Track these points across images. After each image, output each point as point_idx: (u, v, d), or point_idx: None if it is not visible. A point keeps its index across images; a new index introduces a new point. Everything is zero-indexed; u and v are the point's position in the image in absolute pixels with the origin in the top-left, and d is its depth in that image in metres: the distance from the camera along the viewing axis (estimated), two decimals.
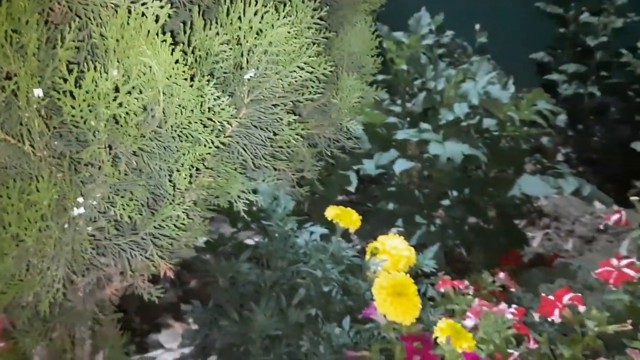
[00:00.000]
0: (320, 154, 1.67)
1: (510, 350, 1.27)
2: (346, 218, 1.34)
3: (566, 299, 1.20)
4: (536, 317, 1.31)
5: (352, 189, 1.72)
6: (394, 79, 1.92)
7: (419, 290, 1.45)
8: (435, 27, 2.31)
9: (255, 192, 1.72)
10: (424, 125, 1.75)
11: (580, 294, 1.21)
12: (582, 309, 1.17)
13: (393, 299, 1.15)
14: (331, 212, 1.35)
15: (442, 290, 1.50)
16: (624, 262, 1.41)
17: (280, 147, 0.82)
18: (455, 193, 1.79)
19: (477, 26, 2.81)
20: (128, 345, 1.82)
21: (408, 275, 1.20)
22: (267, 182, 0.88)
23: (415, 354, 1.12)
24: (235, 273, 1.32)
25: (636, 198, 1.69)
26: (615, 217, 1.67)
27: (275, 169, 0.92)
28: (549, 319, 1.18)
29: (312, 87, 0.79)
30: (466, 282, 1.53)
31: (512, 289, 1.64)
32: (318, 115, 0.88)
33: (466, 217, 1.79)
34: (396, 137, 1.70)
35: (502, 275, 1.63)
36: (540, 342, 1.24)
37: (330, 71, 0.80)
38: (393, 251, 1.40)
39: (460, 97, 1.70)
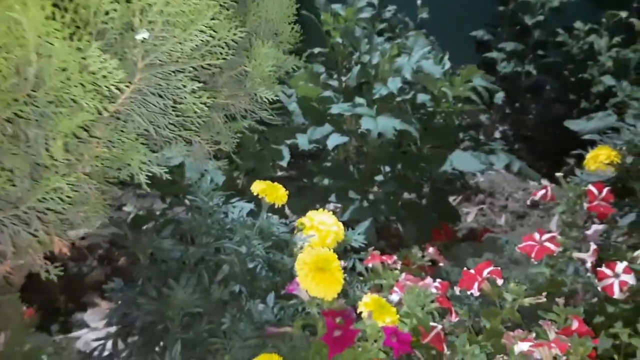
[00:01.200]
0: (251, 129, 1.63)
1: (433, 324, 1.28)
2: (272, 193, 1.31)
3: (486, 272, 1.21)
4: (458, 291, 1.33)
5: (284, 163, 1.69)
6: (332, 53, 1.88)
7: (345, 266, 1.45)
8: (377, 2, 2.28)
9: (180, 165, 1.67)
10: (359, 100, 1.73)
11: (499, 268, 1.23)
12: (500, 282, 1.19)
13: (315, 275, 1.14)
14: (257, 187, 1.31)
15: (370, 265, 1.50)
16: (546, 236, 1.45)
17: (188, 117, 0.77)
18: (387, 168, 1.79)
19: (419, 1, 2.80)
20: (50, 325, 1.75)
21: (333, 250, 1.19)
22: (177, 154, 0.83)
23: (336, 329, 1.11)
24: (155, 249, 1.27)
25: (561, 174, 1.74)
26: (542, 192, 1.71)
27: (188, 141, 0.87)
28: (468, 293, 1.20)
29: (221, 53, 0.74)
30: (394, 257, 1.54)
31: (441, 264, 1.66)
32: (233, 85, 0.84)
33: (400, 192, 1.80)
34: (330, 111, 1.68)
35: (431, 250, 1.65)
36: (461, 315, 1.26)
37: (241, 37, 0.75)
38: (321, 226, 1.39)
39: (395, 72, 1.69)
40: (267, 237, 1.34)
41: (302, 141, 1.71)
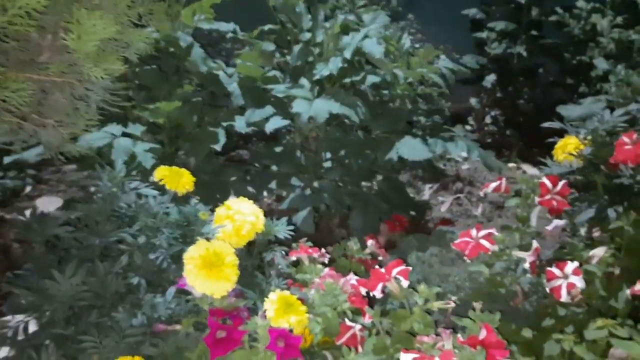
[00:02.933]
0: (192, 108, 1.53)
1: (350, 324, 1.19)
2: (175, 180, 1.22)
3: (395, 272, 1.11)
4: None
5: (218, 147, 1.60)
6: (282, 30, 1.77)
7: (262, 259, 1.36)
8: None
9: (110, 146, 1.59)
10: (303, 81, 1.63)
11: (409, 268, 1.12)
12: (405, 283, 1.08)
13: (201, 271, 1.05)
14: (159, 173, 1.23)
15: (293, 258, 1.40)
16: (482, 233, 1.33)
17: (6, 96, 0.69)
18: (328, 155, 1.68)
19: None
20: None
21: (254, 242, 1.09)
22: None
23: (219, 329, 1.02)
24: (53, 237, 1.20)
25: (513, 165, 1.61)
26: (494, 184, 1.58)
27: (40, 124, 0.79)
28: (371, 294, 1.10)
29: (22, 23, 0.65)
30: (323, 250, 1.44)
31: (380, 257, 1.55)
32: (59, 60, 0.75)
33: (351, 181, 1.69)
34: (271, 92, 1.57)
35: (370, 242, 1.54)
36: (373, 316, 1.16)
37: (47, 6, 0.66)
38: (236, 216, 1.30)
39: (339, 51, 1.57)
40: (172, 226, 1.25)
41: (240, 123, 1.61)
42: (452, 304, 1.09)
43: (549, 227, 1.69)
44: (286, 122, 1.60)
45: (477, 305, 1.14)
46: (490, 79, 2.89)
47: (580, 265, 1.47)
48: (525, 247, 1.59)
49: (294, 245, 1.49)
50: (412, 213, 1.78)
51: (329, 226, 1.73)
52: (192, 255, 1.06)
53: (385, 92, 1.76)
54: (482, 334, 1.00)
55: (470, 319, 1.12)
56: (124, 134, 1.60)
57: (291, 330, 1.15)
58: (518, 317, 1.38)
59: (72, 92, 0.79)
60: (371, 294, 1.09)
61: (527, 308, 1.41)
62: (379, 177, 1.80)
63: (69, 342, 1.02)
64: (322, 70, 1.55)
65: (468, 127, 3.15)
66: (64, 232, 1.20)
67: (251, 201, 1.34)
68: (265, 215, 1.92)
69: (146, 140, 1.65)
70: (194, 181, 1.25)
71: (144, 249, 1.21)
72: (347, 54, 1.51)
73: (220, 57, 2.02)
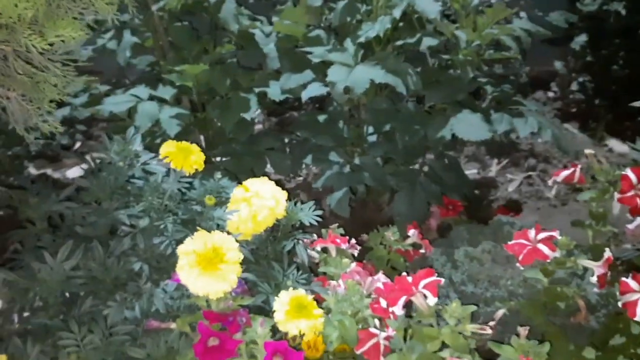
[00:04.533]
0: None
1: (374, 331, 1.02)
2: (182, 157, 1.08)
3: (423, 284, 0.92)
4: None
5: (248, 116, 1.44)
6: None
7: (282, 249, 1.21)
8: None
9: (134, 110, 1.47)
10: (348, 43, 1.42)
11: (441, 280, 0.93)
12: (433, 300, 0.90)
13: (195, 269, 0.92)
14: (165, 149, 1.09)
15: (317, 248, 1.24)
16: (542, 235, 1.11)
17: None
18: (371, 129, 1.48)
19: None
20: None
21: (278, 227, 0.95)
22: None
23: (211, 336, 0.90)
24: (54, 215, 1.11)
25: (590, 151, 1.35)
26: (566, 172, 1.34)
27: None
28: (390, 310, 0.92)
29: None
30: (353, 241, 1.27)
31: (422, 250, 1.36)
32: None
33: (393, 158, 1.49)
34: (310, 56, 1.39)
35: (412, 232, 1.36)
36: (396, 329, 0.99)
37: None
38: (254, 199, 1.15)
39: (389, 9, 1.35)
40: (182, 208, 1.13)
41: (274, 90, 1.44)
42: (489, 331, 0.89)
43: (631, 226, 1.43)
44: (325, 89, 1.41)
45: (522, 331, 0.93)
46: (580, 40, 2.53)
47: None
48: (598, 250, 1.36)
49: (323, 232, 1.33)
50: (468, 196, 1.56)
51: (372, 210, 1.55)
52: (187, 249, 0.93)
53: (446, 57, 1.53)
54: None
55: (511, 345, 0.92)
56: (152, 97, 1.48)
57: (301, 336, 1.01)
58: (580, 335, 1.16)
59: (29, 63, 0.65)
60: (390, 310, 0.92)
61: (592, 325, 1.18)
62: (431, 155, 1.59)
63: (50, 336, 0.93)
64: (369, 32, 1.34)
65: (551, 94, 2.81)
66: (63, 209, 1.11)
67: (272, 182, 1.19)
68: (298, 193, 1.76)
69: (179, 106, 1.53)
70: (203, 160, 1.10)
71: (148, 231, 1.10)
72: (397, 13, 1.29)
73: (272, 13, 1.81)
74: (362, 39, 1.35)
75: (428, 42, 1.41)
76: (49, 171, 2.27)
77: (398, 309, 0.90)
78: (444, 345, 0.93)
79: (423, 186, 1.48)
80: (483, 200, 1.97)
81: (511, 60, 2.55)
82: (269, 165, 1.60)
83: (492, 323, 0.90)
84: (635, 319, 1.13)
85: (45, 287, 0.99)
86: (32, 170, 2.25)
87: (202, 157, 1.10)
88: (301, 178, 2.04)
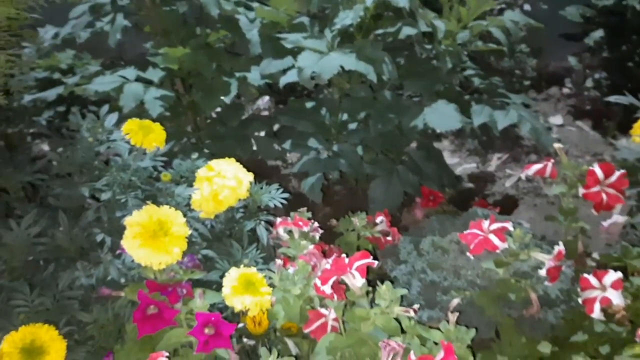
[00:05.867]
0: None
1: (324, 311, 1.05)
2: (142, 134, 1.12)
3: (355, 266, 0.94)
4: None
5: (227, 100, 1.48)
6: None
7: (239, 228, 1.24)
8: None
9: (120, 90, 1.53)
10: (327, 31, 1.44)
11: (374, 262, 0.94)
12: (360, 281, 0.91)
13: (141, 240, 0.96)
14: (127, 126, 1.13)
15: (279, 230, 1.27)
16: (494, 226, 1.11)
17: None
18: (345, 116, 1.49)
19: None
20: None
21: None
22: None
23: (150, 305, 0.94)
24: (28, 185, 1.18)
25: (559, 145, 1.33)
26: (537, 167, 1.32)
27: None
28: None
29: None
30: (316, 224, 1.29)
31: (389, 237, 1.38)
32: None
33: (370, 146, 1.51)
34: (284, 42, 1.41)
35: (380, 218, 1.37)
36: (335, 309, 1.01)
37: None
38: (216, 179, 1.19)
39: None
40: (147, 183, 1.17)
41: (254, 75, 1.47)
42: (412, 313, 0.90)
43: (606, 223, 1.41)
44: None
45: (452, 317, 0.94)
46: (595, 35, 2.46)
47: (628, 276, 1.21)
48: (571, 245, 1.34)
49: (292, 215, 1.36)
50: (448, 187, 1.56)
51: (361, 197, 1.57)
52: (133, 221, 0.97)
53: (429, 47, 1.52)
54: (439, 355, 0.82)
55: (440, 330, 0.93)
56: (140, 79, 1.53)
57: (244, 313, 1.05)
58: (534, 328, 1.15)
59: None
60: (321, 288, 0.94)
61: (549, 319, 1.17)
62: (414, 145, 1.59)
63: (3, 296, 0.99)
64: (345, 19, 1.35)
65: (566, 90, 2.75)
66: (34, 179, 1.18)
67: (237, 163, 1.22)
68: (290, 179, 1.79)
69: (168, 89, 1.58)
70: (164, 138, 1.14)
71: (112, 205, 1.15)
72: (369, 1, 1.29)
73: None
74: (338, 26, 1.36)
75: (407, 31, 1.41)
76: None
77: (327, 288, 0.92)
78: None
79: (400, 175, 1.49)
80: (476, 194, 1.95)
81: (521, 54, 2.51)
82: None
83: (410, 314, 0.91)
84: (593, 315, 1.12)
85: (7, 251, 1.05)
86: (45, 147, 2.36)
87: (163, 135, 1.14)
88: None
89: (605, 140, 2.47)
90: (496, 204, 1.95)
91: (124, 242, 0.96)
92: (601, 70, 2.59)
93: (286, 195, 1.28)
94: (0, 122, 1.81)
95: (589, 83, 2.64)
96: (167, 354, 0.90)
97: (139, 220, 0.97)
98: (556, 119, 2.63)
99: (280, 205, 1.27)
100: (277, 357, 0.89)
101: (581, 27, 2.52)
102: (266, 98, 2.59)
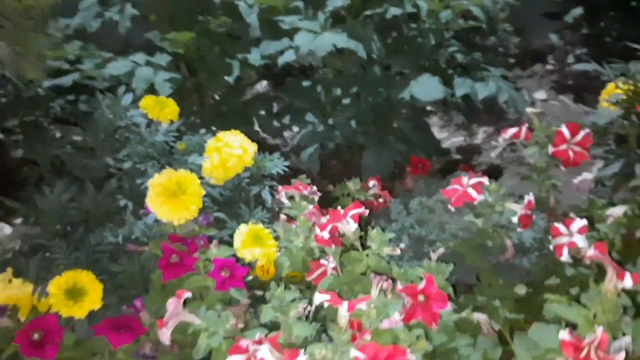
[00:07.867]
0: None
1: (322, 261, 1.19)
2: (158, 109, 1.26)
3: (350, 214, 1.08)
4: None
5: (231, 79, 1.61)
6: None
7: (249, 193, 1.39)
8: None
9: (129, 74, 1.66)
10: (320, 13, 1.57)
11: (366, 211, 1.09)
12: (353, 226, 1.06)
13: (162, 198, 1.10)
14: (144, 102, 1.27)
15: (282, 194, 1.41)
16: (472, 181, 1.25)
17: None
18: (339, 91, 1.63)
19: None
20: None
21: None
22: None
23: (173, 254, 1.08)
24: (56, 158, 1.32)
25: (533, 110, 1.47)
26: (513, 130, 1.46)
27: None
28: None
29: None
30: (314, 188, 1.43)
31: (381, 199, 1.52)
32: None
33: (363, 119, 1.64)
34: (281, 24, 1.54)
35: (372, 183, 1.51)
36: (332, 255, 1.15)
37: None
38: (224, 149, 1.33)
39: None
40: (162, 154, 1.31)
41: (254, 56, 1.61)
42: (398, 251, 1.05)
43: (576, 180, 1.56)
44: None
45: (433, 254, 1.09)
46: (575, 12, 2.60)
47: (593, 224, 1.35)
48: (544, 200, 1.49)
49: (293, 181, 1.50)
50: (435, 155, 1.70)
51: (342, 169, 1.71)
52: (155, 182, 1.11)
53: (414, 26, 1.66)
54: (422, 284, 0.96)
55: (423, 267, 1.07)
56: (149, 63, 1.66)
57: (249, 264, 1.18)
58: (510, 272, 1.30)
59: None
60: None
61: (524, 264, 1.32)
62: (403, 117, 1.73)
63: (45, 253, 1.14)
64: (335, 2, 1.49)
65: (549, 67, 2.89)
66: (62, 153, 1.32)
67: (242, 134, 1.36)
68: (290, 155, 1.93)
69: (176, 72, 1.71)
70: (178, 112, 1.28)
71: (132, 174, 1.29)
72: None
73: None
74: (330, 8, 1.50)
75: (393, 11, 1.55)
76: None
77: (326, 234, 1.07)
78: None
79: (391, 144, 1.63)
80: (460, 163, 2.09)
81: (505, 32, 2.64)
82: None
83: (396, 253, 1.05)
84: (562, 258, 1.26)
85: (43, 215, 1.19)
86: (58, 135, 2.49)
87: (177, 109, 1.28)
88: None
89: (587, 112, 2.61)
90: (483, 173, 2.09)
91: (148, 201, 1.10)
92: (581, 46, 2.73)
93: (287, 163, 1.42)
94: (19, 109, 1.94)
95: (570, 59, 2.78)
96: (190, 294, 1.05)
97: (160, 182, 1.11)
98: (540, 94, 2.77)
99: (282, 172, 1.40)
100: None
101: (561, 6, 2.66)
102: (264, 82, 2.72)
